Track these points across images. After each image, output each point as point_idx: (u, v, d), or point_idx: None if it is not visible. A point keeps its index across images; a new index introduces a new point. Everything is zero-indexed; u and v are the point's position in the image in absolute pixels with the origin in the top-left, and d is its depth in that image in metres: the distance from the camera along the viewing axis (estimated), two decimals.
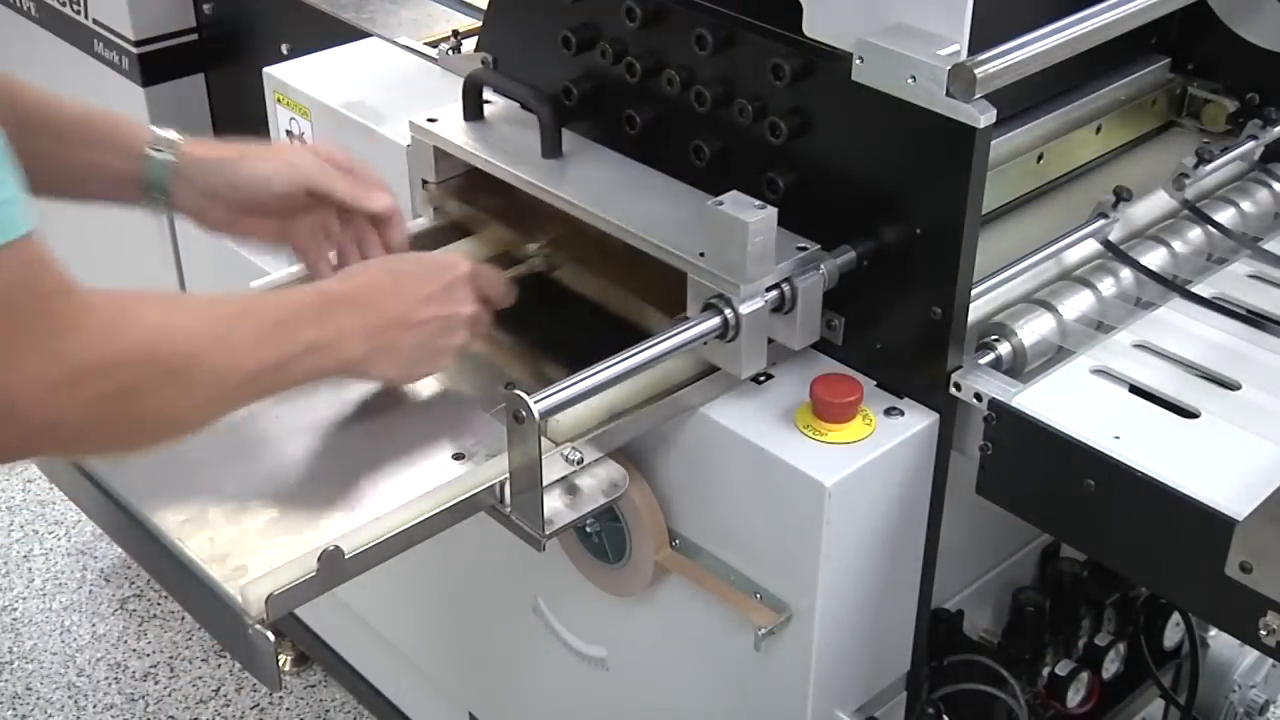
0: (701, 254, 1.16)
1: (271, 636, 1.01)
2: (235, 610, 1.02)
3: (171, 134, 1.23)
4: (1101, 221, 1.29)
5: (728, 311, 1.15)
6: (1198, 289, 1.29)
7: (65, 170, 1.20)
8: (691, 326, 1.15)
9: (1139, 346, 1.21)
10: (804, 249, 1.18)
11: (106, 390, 0.90)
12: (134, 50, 1.90)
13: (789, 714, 1.28)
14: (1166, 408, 1.14)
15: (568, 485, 1.17)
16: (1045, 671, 1.43)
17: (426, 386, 1.26)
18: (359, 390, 1.25)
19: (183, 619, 2.33)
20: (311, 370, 1.09)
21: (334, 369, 1.11)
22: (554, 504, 1.15)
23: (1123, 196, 1.29)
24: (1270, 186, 1.42)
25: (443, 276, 1.18)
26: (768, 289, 1.15)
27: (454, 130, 1.39)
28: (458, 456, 1.18)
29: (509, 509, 1.13)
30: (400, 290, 1.16)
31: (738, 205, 1.13)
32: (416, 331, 1.16)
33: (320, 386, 1.25)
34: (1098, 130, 1.45)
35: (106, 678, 2.24)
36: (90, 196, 1.24)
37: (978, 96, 1.06)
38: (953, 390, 1.16)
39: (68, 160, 1.20)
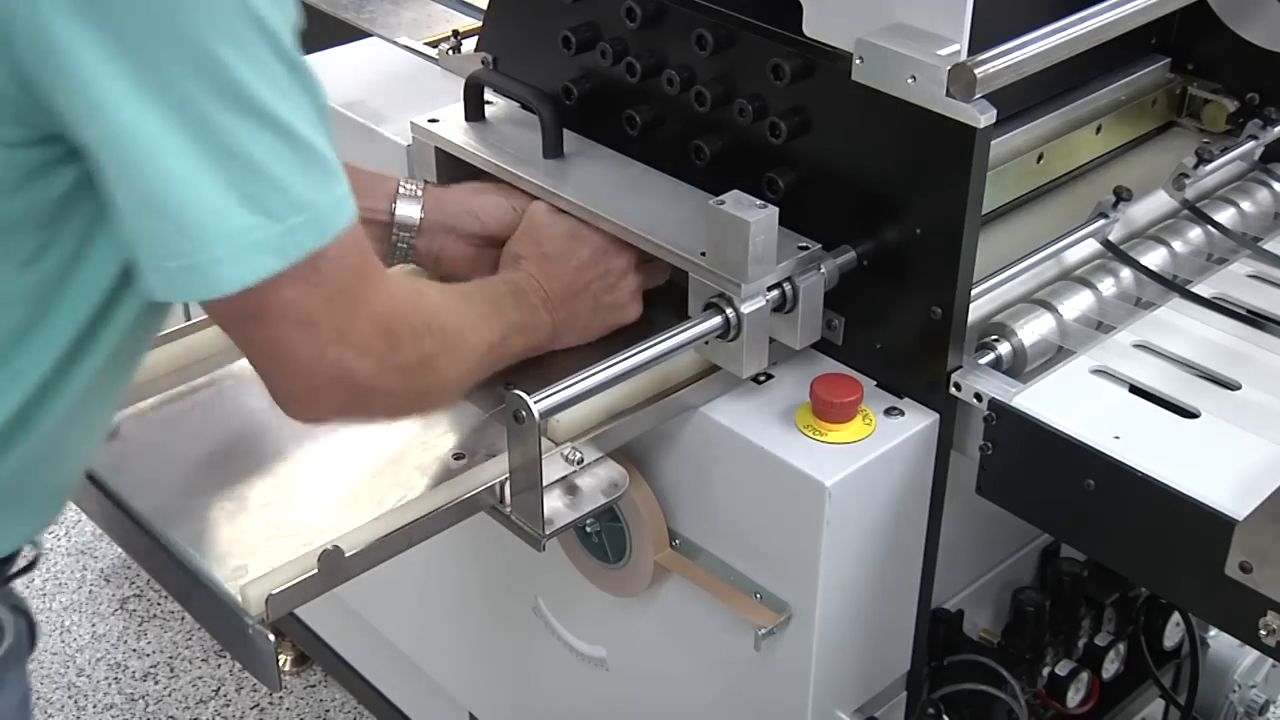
0: (703, 253, 1.16)
1: (271, 636, 1.01)
2: (235, 610, 1.02)
3: (415, 182, 1.30)
4: (1101, 221, 1.29)
5: (729, 311, 1.15)
6: (1198, 289, 1.29)
7: None
8: (692, 326, 1.15)
9: (1139, 346, 1.21)
10: (805, 248, 1.18)
11: (414, 358, 0.99)
12: None
13: (789, 714, 1.28)
14: (1166, 408, 1.14)
15: (568, 485, 1.17)
16: (1045, 671, 1.43)
17: None
18: None
19: (183, 619, 2.33)
20: (516, 349, 1.18)
21: (531, 348, 1.21)
22: (554, 504, 1.14)
23: (1123, 196, 1.29)
24: (1270, 186, 1.42)
25: (583, 243, 1.26)
26: (769, 288, 1.15)
27: (455, 131, 1.40)
28: (458, 456, 1.18)
29: (509, 509, 1.13)
30: (558, 268, 1.24)
31: (739, 204, 1.13)
32: (584, 298, 1.24)
33: None
34: (1098, 130, 1.45)
35: (106, 678, 2.24)
36: None
37: (978, 96, 1.06)
38: (953, 390, 1.16)
39: None
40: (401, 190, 1.27)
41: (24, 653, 1.04)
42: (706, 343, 1.16)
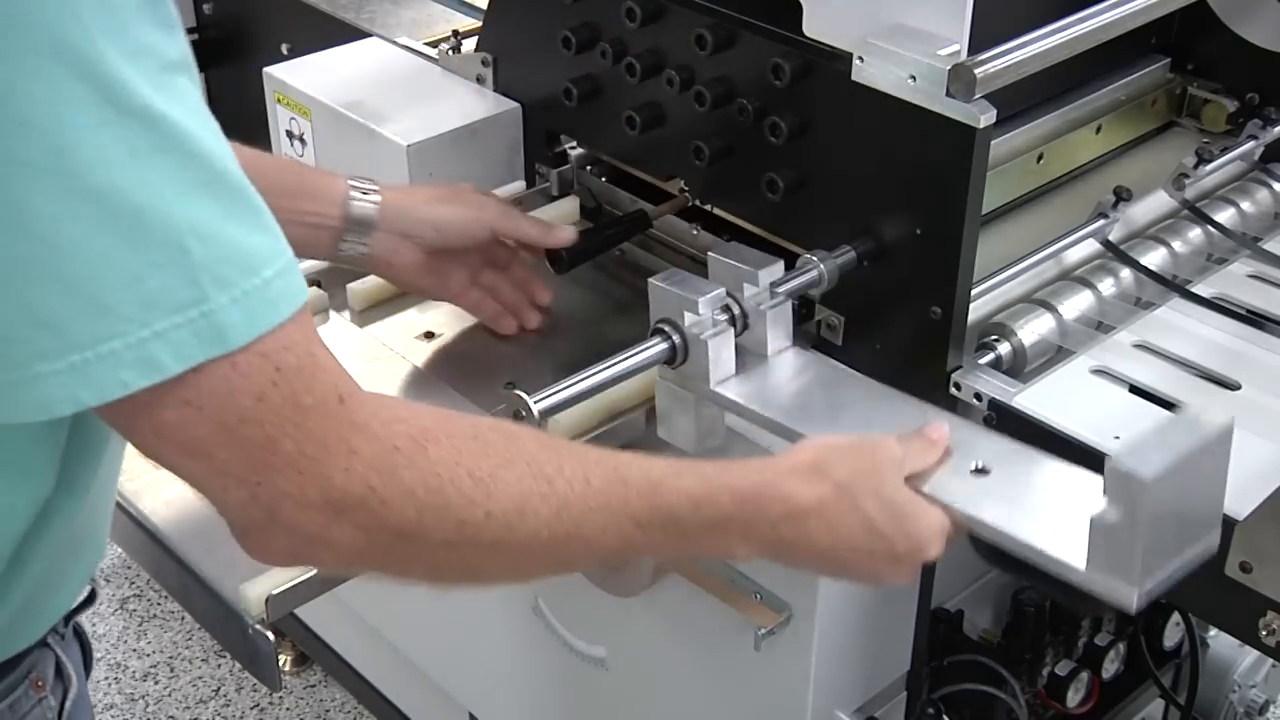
0: None
1: (271, 636, 1.01)
2: (235, 610, 1.02)
3: (368, 181, 1.23)
4: (1101, 221, 1.29)
5: (735, 309, 1.15)
6: (1198, 289, 1.29)
7: None
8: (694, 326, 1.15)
9: (1139, 346, 1.21)
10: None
11: (376, 526, 0.75)
12: None
13: (789, 714, 1.28)
14: (1166, 408, 1.14)
15: None
16: (1045, 671, 1.43)
17: (427, 386, 1.26)
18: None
19: (183, 619, 2.33)
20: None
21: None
22: None
23: (1123, 196, 1.29)
24: (1270, 186, 1.42)
25: (920, 551, 0.94)
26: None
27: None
28: None
29: None
30: (871, 551, 0.92)
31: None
32: (844, 569, 0.95)
33: None
34: (1098, 130, 1.45)
35: (106, 678, 2.24)
36: None
37: (978, 96, 1.06)
38: (953, 390, 1.16)
39: (274, 210, 1.17)
40: (353, 192, 1.21)
41: (84, 679, 1.02)
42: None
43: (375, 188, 1.23)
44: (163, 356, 0.67)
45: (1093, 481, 0.96)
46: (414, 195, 1.27)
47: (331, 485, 0.73)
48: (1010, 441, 1.04)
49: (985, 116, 1.06)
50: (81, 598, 0.99)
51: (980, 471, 1.01)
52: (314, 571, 1.03)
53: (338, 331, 1.33)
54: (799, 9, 1.14)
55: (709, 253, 1.15)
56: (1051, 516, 0.96)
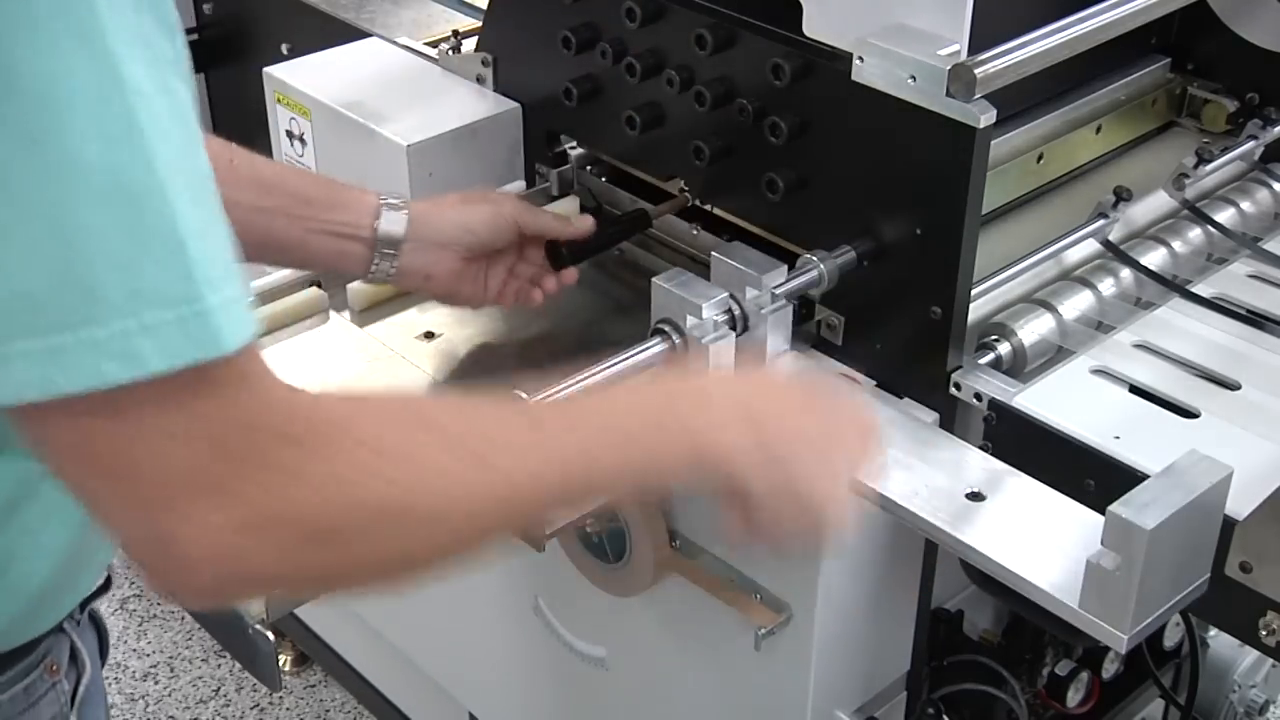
0: None
1: (271, 636, 1.01)
2: (235, 610, 1.02)
3: (397, 195, 1.23)
4: (1101, 221, 1.29)
5: (735, 310, 1.15)
6: (1198, 289, 1.29)
7: (299, 234, 1.18)
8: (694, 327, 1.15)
9: (1139, 346, 1.21)
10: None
11: (293, 535, 0.71)
12: None
13: (789, 714, 1.28)
14: (1166, 408, 1.14)
15: None
16: (1045, 671, 1.43)
17: (426, 386, 1.26)
18: (360, 390, 1.25)
19: (183, 619, 2.33)
20: (633, 477, 0.86)
21: (683, 471, 0.87)
22: None
23: (1123, 196, 1.29)
24: (1270, 186, 1.42)
25: (867, 436, 0.97)
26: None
27: None
28: None
29: None
30: (827, 435, 0.93)
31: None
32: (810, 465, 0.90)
33: (320, 385, 1.25)
34: (1098, 130, 1.45)
35: (107, 678, 2.24)
36: (308, 261, 1.24)
37: (978, 96, 1.06)
38: (953, 390, 1.16)
39: (306, 223, 1.18)
40: (384, 205, 1.20)
41: (100, 667, 1.03)
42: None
43: (404, 202, 1.22)
44: (146, 351, 0.63)
45: (1087, 516, 0.97)
46: (440, 204, 1.27)
47: (288, 502, 0.69)
48: (1005, 467, 1.04)
49: (985, 116, 1.06)
50: (98, 583, 0.99)
51: (975, 496, 1.01)
52: None
53: (338, 331, 1.33)
54: (799, 9, 1.14)
55: (712, 253, 1.15)
56: (1045, 549, 0.97)
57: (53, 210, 0.61)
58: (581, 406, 0.92)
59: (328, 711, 2.20)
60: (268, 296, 1.32)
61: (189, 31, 1.93)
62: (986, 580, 1.01)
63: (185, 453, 0.66)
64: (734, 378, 1.05)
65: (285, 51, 1.76)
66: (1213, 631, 1.67)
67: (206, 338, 0.64)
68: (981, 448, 1.15)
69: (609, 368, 1.10)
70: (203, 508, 0.67)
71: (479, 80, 1.51)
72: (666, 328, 1.12)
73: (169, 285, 0.64)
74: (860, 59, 1.11)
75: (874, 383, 1.21)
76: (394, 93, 1.55)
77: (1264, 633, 0.99)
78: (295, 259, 1.23)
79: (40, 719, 0.93)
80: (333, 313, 1.35)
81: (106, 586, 1.02)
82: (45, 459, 0.68)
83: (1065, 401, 1.13)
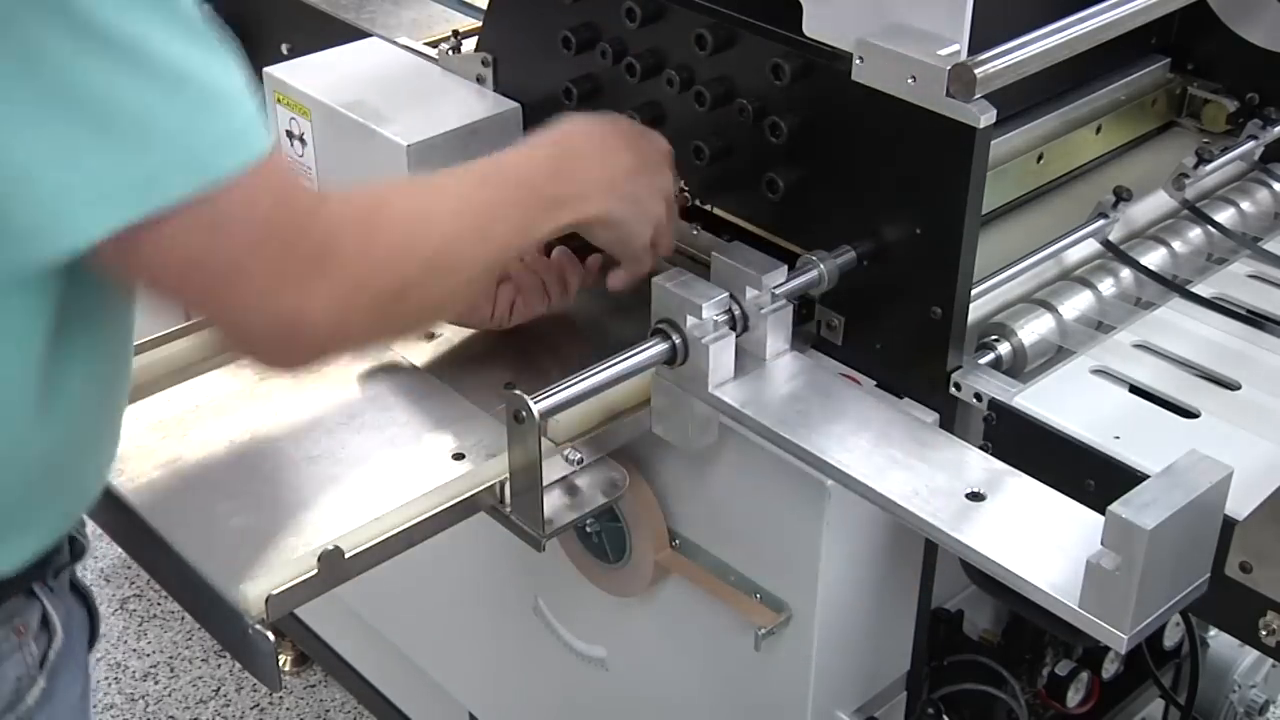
0: None
1: (271, 636, 1.01)
2: (235, 610, 1.02)
3: None
4: (1101, 221, 1.29)
5: (735, 310, 1.15)
6: (1198, 289, 1.29)
7: None
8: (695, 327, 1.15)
9: (1139, 346, 1.21)
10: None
11: (376, 295, 0.89)
12: None
13: (789, 714, 1.28)
14: (1166, 408, 1.14)
15: (568, 485, 1.17)
16: (1045, 671, 1.43)
17: (427, 386, 1.26)
18: (360, 390, 1.25)
19: (183, 619, 2.33)
20: (553, 228, 1.09)
21: (574, 224, 1.12)
22: (554, 504, 1.15)
23: (1123, 196, 1.29)
24: (1270, 186, 1.42)
25: (643, 139, 1.20)
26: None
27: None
28: (458, 456, 1.18)
29: (509, 509, 1.13)
30: (625, 143, 1.16)
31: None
32: (643, 183, 1.16)
33: (320, 384, 1.26)
34: (1098, 130, 1.45)
35: (106, 678, 2.24)
36: None
37: (978, 96, 1.06)
38: (953, 390, 1.16)
39: None
40: None
41: (83, 646, 1.03)
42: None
43: None
44: (201, 164, 0.76)
45: (1087, 516, 0.97)
46: None
47: (335, 274, 0.86)
48: (1005, 467, 1.04)
49: (985, 116, 1.06)
50: (59, 543, 0.99)
51: (975, 496, 1.01)
52: (314, 571, 1.03)
53: None
54: (799, 9, 1.14)
55: (712, 253, 1.15)
56: (1045, 549, 0.96)
57: (76, 75, 0.72)
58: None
59: (328, 711, 2.20)
60: None
61: None
62: (986, 580, 1.01)
63: (277, 244, 0.82)
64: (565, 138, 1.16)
65: (285, 51, 1.76)
66: (1213, 631, 1.67)
67: (243, 148, 0.78)
68: (981, 448, 1.15)
69: (609, 367, 1.10)
70: (314, 287, 0.84)
71: (479, 80, 1.51)
72: (666, 328, 1.12)
73: (198, 113, 0.76)
74: (860, 59, 1.11)
75: (874, 383, 1.21)
76: (394, 93, 1.55)
77: (1264, 633, 0.99)
78: None
79: (4, 676, 0.94)
80: None
81: (80, 554, 1.02)
82: (160, 288, 0.84)
83: (1065, 401, 1.13)
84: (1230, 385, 1.17)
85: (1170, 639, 1.56)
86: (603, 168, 1.13)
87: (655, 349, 1.12)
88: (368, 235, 0.89)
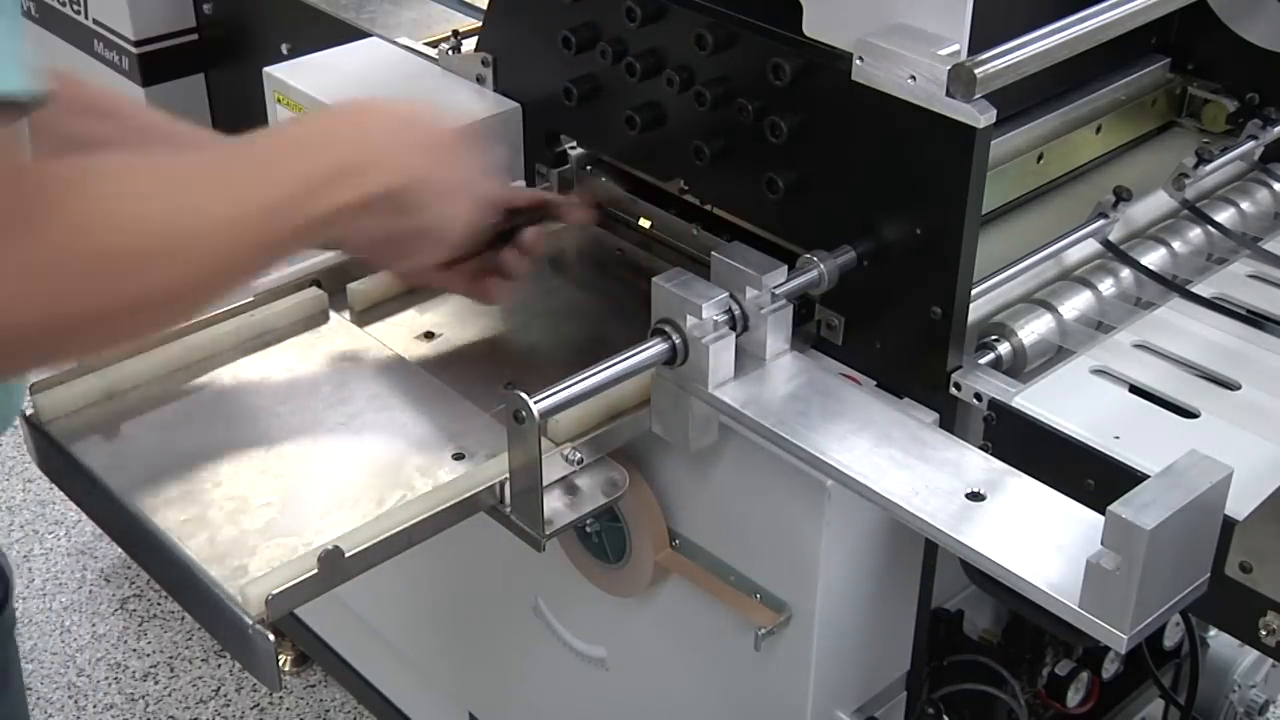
0: None
1: (271, 636, 1.01)
2: (235, 610, 1.02)
3: None
4: (1101, 221, 1.29)
5: (735, 309, 1.15)
6: (1198, 289, 1.29)
7: None
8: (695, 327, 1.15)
9: (1139, 346, 1.21)
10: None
11: (72, 287, 0.77)
12: (134, 50, 1.90)
13: (789, 714, 1.28)
14: (1166, 408, 1.14)
15: (567, 485, 1.17)
16: (1045, 671, 1.43)
17: (427, 386, 1.26)
18: (360, 390, 1.25)
19: (183, 619, 2.33)
20: (338, 203, 0.95)
21: (364, 200, 0.97)
22: (554, 504, 1.15)
23: (1123, 196, 1.29)
24: (1270, 186, 1.42)
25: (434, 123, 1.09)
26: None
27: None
28: (458, 456, 1.18)
29: (509, 509, 1.13)
30: (415, 119, 1.07)
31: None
32: (445, 160, 1.07)
33: (320, 384, 1.26)
34: (1098, 130, 1.45)
35: (106, 678, 2.24)
36: None
37: (978, 96, 1.06)
38: (953, 390, 1.16)
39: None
40: None
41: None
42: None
43: None
44: None
45: (1087, 516, 0.97)
46: None
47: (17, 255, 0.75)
48: (1005, 467, 1.04)
49: (985, 116, 1.06)
50: None
51: (975, 496, 1.01)
52: (314, 571, 1.03)
53: (338, 331, 1.33)
54: (799, 9, 1.14)
55: (712, 253, 1.15)
56: (1045, 549, 0.96)
57: None
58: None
59: (328, 711, 2.20)
60: (267, 297, 1.32)
61: (189, 32, 1.93)
62: (986, 580, 1.01)
63: None
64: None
65: (285, 51, 1.76)
66: (1213, 631, 1.67)
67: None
68: (981, 448, 1.15)
69: (609, 367, 1.10)
70: None
71: (479, 80, 1.51)
72: (666, 328, 1.12)
73: None
74: (860, 59, 1.11)
75: (874, 383, 1.21)
76: (394, 93, 1.55)
77: (1264, 633, 0.99)
78: None
79: None
80: (332, 313, 1.35)
81: None
82: None
83: (1065, 401, 1.13)
84: (1230, 385, 1.17)
85: (1170, 639, 1.56)
86: (405, 135, 1.04)
87: (655, 349, 1.12)
88: (71, 199, 0.77)
